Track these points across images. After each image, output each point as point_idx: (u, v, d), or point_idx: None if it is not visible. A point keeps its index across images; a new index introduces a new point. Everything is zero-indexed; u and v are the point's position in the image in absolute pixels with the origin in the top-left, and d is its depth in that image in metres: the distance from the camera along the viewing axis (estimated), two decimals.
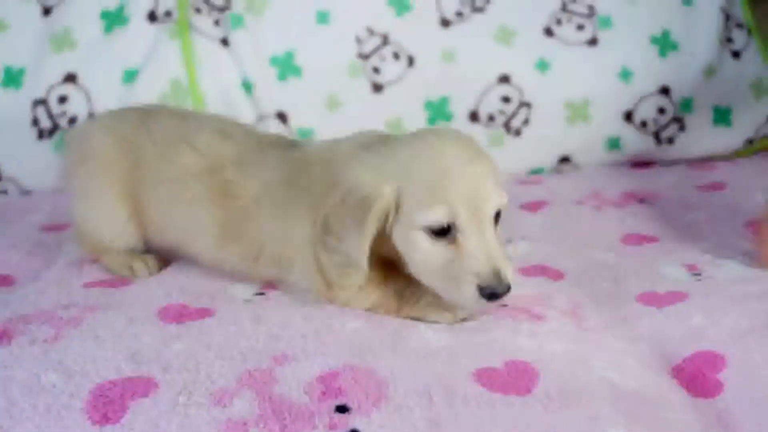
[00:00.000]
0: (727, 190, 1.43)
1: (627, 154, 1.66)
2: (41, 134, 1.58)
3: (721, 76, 1.66)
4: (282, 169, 0.99)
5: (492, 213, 0.86)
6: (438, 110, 1.62)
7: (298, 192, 0.96)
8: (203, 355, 0.81)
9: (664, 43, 1.64)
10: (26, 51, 1.60)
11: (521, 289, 0.98)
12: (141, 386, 0.75)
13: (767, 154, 1.71)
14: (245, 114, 1.58)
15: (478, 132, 1.61)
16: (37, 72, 1.59)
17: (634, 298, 0.96)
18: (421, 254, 0.86)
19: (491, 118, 1.63)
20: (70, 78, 1.58)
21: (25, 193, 1.60)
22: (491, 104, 1.62)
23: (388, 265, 0.93)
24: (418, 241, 0.85)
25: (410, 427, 0.68)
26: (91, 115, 1.56)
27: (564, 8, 1.67)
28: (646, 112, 1.64)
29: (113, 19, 1.61)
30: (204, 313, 0.93)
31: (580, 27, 1.65)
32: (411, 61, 1.63)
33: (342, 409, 0.71)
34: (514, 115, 1.62)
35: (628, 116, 1.64)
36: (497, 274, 0.83)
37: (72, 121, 1.57)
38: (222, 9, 1.63)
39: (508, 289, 0.83)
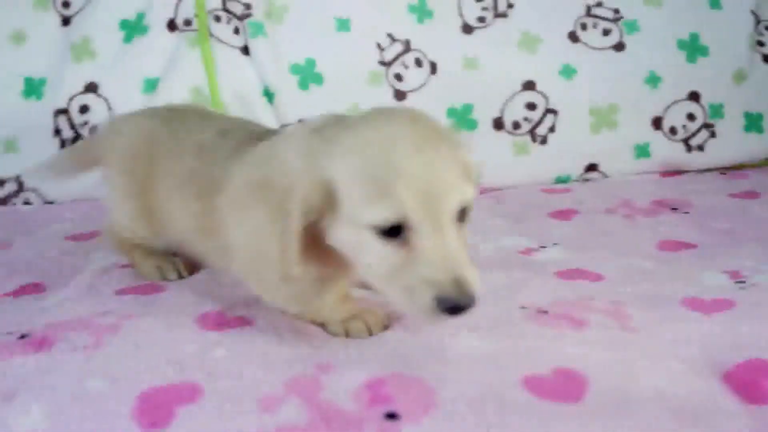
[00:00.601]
0: (764, 197, 1.42)
1: (656, 161, 1.64)
2: (63, 144, 1.58)
3: (752, 81, 1.65)
4: (249, 162, 0.90)
5: (453, 210, 0.74)
6: (461, 117, 1.61)
7: (256, 186, 0.85)
8: (247, 362, 0.80)
9: (693, 48, 1.63)
10: (46, 61, 1.61)
11: (559, 293, 0.97)
12: (187, 392, 0.74)
13: None
14: (266, 122, 1.56)
15: (503, 139, 1.60)
16: (58, 82, 1.59)
17: (678, 303, 0.94)
18: (369, 257, 0.75)
19: (516, 126, 1.62)
20: (91, 88, 1.59)
21: (48, 203, 1.60)
22: (516, 111, 1.61)
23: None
24: (365, 242, 0.74)
25: None
26: None
27: (589, 13, 1.66)
28: (676, 118, 1.63)
29: (133, 29, 1.61)
30: (242, 321, 0.92)
31: (606, 32, 1.64)
32: (434, 68, 1.62)
33: (392, 416, 0.69)
34: (539, 122, 1.62)
35: (657, 123, 1.63)
36: (459, 283, 0.71)
37: (93, 130, 1.57)
38: (242, 17, 1.63)
39: (473, 301, 0.72)
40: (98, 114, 1.57)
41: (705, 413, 0.71)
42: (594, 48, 1.64)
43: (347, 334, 0.87)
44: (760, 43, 1.67)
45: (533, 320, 0.89)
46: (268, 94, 1.60)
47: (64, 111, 1.58)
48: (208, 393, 0.74)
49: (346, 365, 0.79)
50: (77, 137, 1.57)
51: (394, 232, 0.72)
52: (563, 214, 1.38)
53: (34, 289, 1.10)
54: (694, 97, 1.63)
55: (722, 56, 1.64)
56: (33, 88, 1.59)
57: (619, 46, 1.64)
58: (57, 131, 1.58)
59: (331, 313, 0.89)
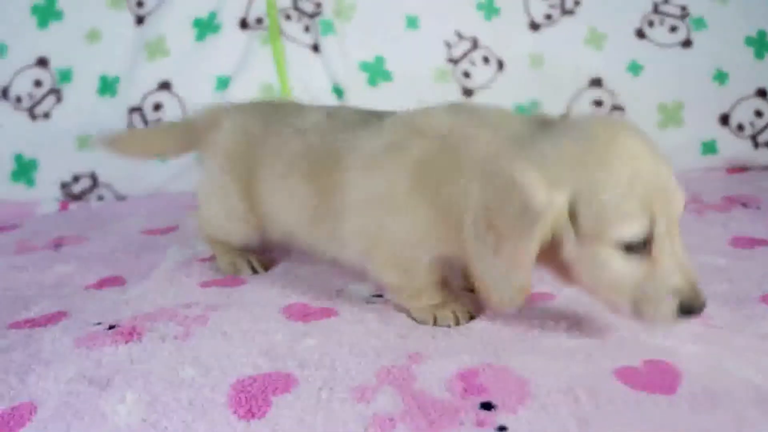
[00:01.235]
0: None
1: (723, 158, 1.63)
2: None
3: None
4: (383, 138, 0.91)
5: (679, 218, 0.75)
6: (528, 114, 1.60)
7: (400, 164, 0.86)
8: (337, 352, 0.81)
9: (760, 44, 1.62)
10: (121, 59, 1.64)
11: None
12: (281, 381, 0.75)
13: None
14: None
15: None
16: (131, 80, 1.63)
17: (757, 299, 0.94)
18: (611, 273, 0.74)
19: None
20: (164, 85, 1.62)
21: (121, 198, 1.64)
22: (583, 108, 1.62)
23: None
24: (609, 260, 0.74)
25: (559, 426, 0.67)
26: None
27: (656, 10, 1.66)
28: (743, 115, 1.61)
29: (205, 27, 1.64)
30: (328, 312, 0.93)
31: (673, 28, 1.64)
32: (501, 65, 1.63)
33: (487, 406, 0.70)
34: None
35: (724, 119, 1.62)
36: (697, 290, 0.74)
37: None
38: (312, 15, 1.65)
39: (704, 305, 0.75)
40: (171, 111, 1.60)
41: None
42: (661, 45, 1.63)
43: (434, 322, 0.89)
44: None
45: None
46: (338, 91, 1.62)
47: (137, 109, 1.62)
48: (302, 382, 0.75)
49: (436, 355, 0.80)
50: None
51: (638, 246, 0.73)
52: None
53: (115, 281, 1.12)
54: (761, 93, 1.62)
55: None
56: (107, 85, 1.63)
57: (686, 43, 1.63)
58: (131, 128, 1.61)
59: (428, 297, 0.90)
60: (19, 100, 1.64)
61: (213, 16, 1.64)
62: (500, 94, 1.62)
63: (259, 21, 1.64)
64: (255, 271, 1.12)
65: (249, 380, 0.76)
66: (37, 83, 1.64)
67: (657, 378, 0.74)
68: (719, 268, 1.07)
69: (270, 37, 1.63)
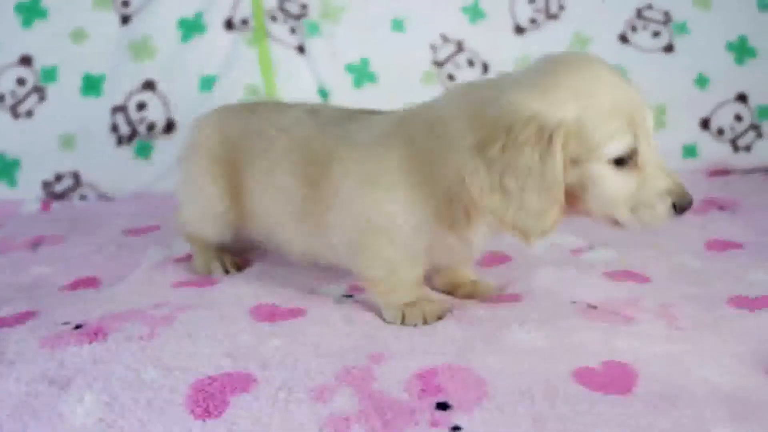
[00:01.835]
0: None
1: (704, 161, 1.64)
2: (120, 140, 1.62)
3: None
4: (368, 132, 0.94)
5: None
6: None
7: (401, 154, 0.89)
8: (300, 352, 0.82)
9: (741, 50, 1.63)
10: (105, 59, 1.64)
11: (608, 292, 0.98)
12: (240, 382, 0.76)
13: None
14: None
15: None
16: (116, 79, 1.63)
17: (724, 301, 0.95)
18: (608, 188, 0.80)
19: None
20: (149, 85, 1.62)
21: (104, 198, 1.64)
22: None
23: None
24: (604, 175, 0.80)
25: (513, 425, 0.68)
26: (169, 122, 1.59)
27: (639, 15, 1.66)
28: (723, 119, 1.63)
29: (191, 27, 1.64)
30: (296, 312, 0.93)
31: (656, 34, 1.64)
32: (485, 68, 1.64)
33: (443, 406, 0.71)
34: None
35: (705, 123, 1.63)
36: (683, 189, 0.81)
37: (150, 127, 1.61)
38: (298, 17, 1.65)
39: (692, 202, 0.82)
40: (155, 111, 1.61)
41: (755, 405, 0.71)
42: (644, 49, 1.64)
43: (402, 321, 0.90)
44: None
45: (583, 314, 0.90)
46: (323, 93, 1.63)
47: (121, 108, 1.62)
48: (262, 382, 0.75)
49: (398, 355, 0.80)
50: (134, 134, 1.61)
51: (625, 159, 0.79)
52: None
53: (90, 282, 1.12)
54: (741, 98, 1.63)
55: None
56: (92, 85, 1.63)
57: (669, 48, 1.64)
58: (114, 128, 1.62)
59: (405, 292, 0.92)
60: (1, 98, 1.64)
61: (199, 16, 1.64)
62: None
63: (245, 22, 1.64)
64: (227, 272, 1.13)
65: (208, 380, 0.76)
66: (21, 82, 1.64)
67: (614, 379, 0.75)
68: (692, 270, 1.08)
69: (255, 38, 1.63)
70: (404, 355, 0.81)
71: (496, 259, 1.15)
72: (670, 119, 1.62)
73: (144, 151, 1.59)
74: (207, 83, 1.62)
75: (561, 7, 1.66)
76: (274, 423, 0.70)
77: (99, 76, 1.63)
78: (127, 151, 1.61)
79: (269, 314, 0.93)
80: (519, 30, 1.66)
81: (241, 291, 1.03)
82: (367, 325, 0.90)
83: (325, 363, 0.79)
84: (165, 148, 1.60)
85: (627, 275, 1.06)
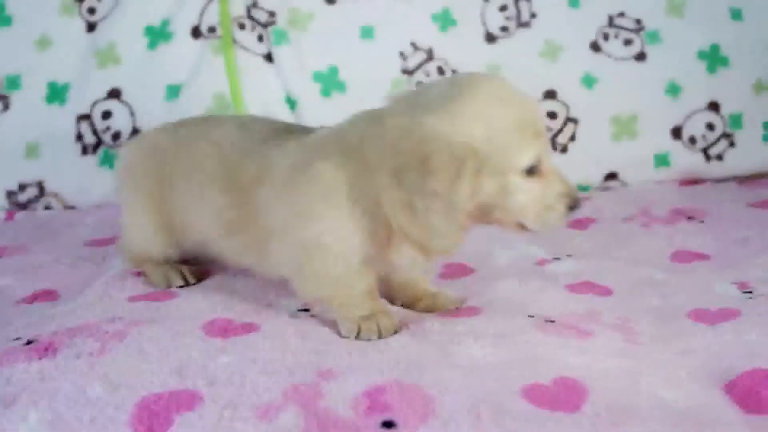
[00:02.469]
0: None
1: (676, 170, 1.63)
2: (85, 150, 1.60)
3: None
4: (298, 153, 0.96)
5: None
6: None
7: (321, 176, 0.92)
8: (249, 369, 0.80)
9: (713, 58, 1.63)
10: (71, 67, 1.62)
11: (569, 306, 0.97)
12: (186, 400, 0.74)
13: None
14: None
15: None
16: (81, 87, 1.61)
17: (684, 315, 0.94)
18: (520, 195, 0.86)
19: None
20: (114, 93, 1.60)
21: (69, 208, 1.61)
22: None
23: None
24: (517, 184, 0.86)
25: None
26: (134, 131, 1.58)
27: (611, 23, 1.65)
28: (695, 128, 1.62)
29: (157, 35, 1.63)
30: (249, 328, 0.92)
31: (628, 42, 1.64)
32: None
33: (388, 424, 0.69)
34: (560, 130, 1.61)
35: (677, 132, 1.62)
36: (575, 191, 0.90)
37: (116, 136, 1.59)
38: (266, 24, 1.64)
39: (580, 200, 0.90)
40: (120, 120, 1.58)
41: (705, 422, 0.71)
42: (615, 58, 1.63)
43: (357, 335, 0.90)
44: None
45: (539, 329, 0.89)
46: (291, 102, 1.61)
47: (86, 117, 1.60)
48: (208, 400, 0.74)
49: (347, 372, 0.79)
50: (99, 143, 1.60)
51: (534, 168, 0.86)
52: (581, 223, 1.38)
53: (48, 295, 1.12)
54: (713, 107, 1.62)
55: (742, 67, 1.63)
56: (56, 93, 1.61)
57: (641, 56, 1.63)
58: (79, 136, 1.60)
59: (356, 306, 0.92)
60: None
61: (165, 24, 1.62)
62: None
63: (212, 30, 1.63)
64: (188, 282, 1.11)
65: (154, 398, 0.74)
66: None
67: (563, 396, 0.73)
68: (656, 282, 1.08)
69: (223, 46, 1.61)
70: (355, 371, 0.79)
71: (459, 271, 1.13)
72: (642, 128, 1.61)
73: (109, 161, 1.57)
74: (173, 91, 1.60)
75: (532, 15, 1.65)
76: None
77: (64, 85, 1.61)
78: (92, 161, 1.59)
79: (222, 330, 0.91)
80: (490, 38, 1.65)
81: (197, 305, 1.01)
82: (320, 340, 0.88)
83: (274, 380, 0.78)
84: None
85: (589, 287, 1.05)
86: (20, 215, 1.59)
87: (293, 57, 1.62)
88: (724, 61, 1.63)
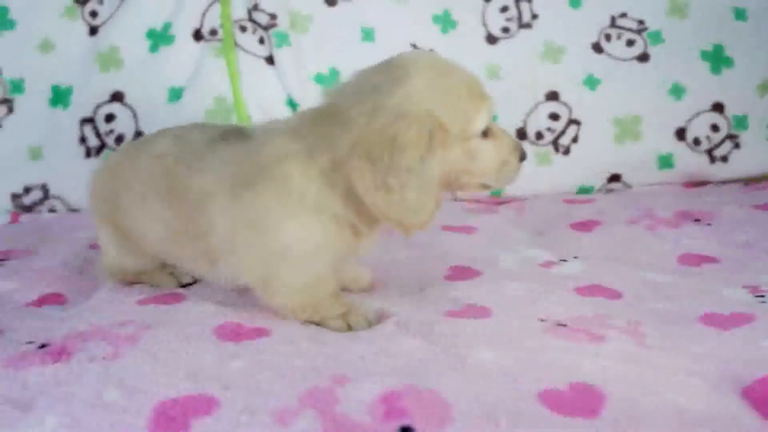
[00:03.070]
0: None
1: (679, 172, 1.63)
2: (89, 152, 1.60)
3: None
4: (246, 161, 0.96)
5: None
6: None
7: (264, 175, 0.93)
8: (263, 373, 0.80)
9: (717, 59, 1.62)
10: (73, 70, 1.63)
11: (578, 309, 0.96)
12: (203, 404, 0.74)
13: None
14: None
15: (526, 149, 1.58)
16: (84, 91, 1.61)
17: (696, 319, 0.93)
18: (482, 156, 0.93)
19: (539, 136, 1.61)
20: (117, 97, 1.60)
21: (73, 210, 1.61)
22: (539, 122, 1.61)
23: None
24: (478, 148, 0.93)
25: None
26: (137, 134, 1.58)
27: (613, 23, 1.65)
28: (699, 129, 1.62)
29: (159, 38, 1.63)
30: (260, 332, 0.92)
31: (630, 42, 1.64)
32: None
33: (406, 430, 0.69)
34: (562, 132, 1.61)
35: (681, 134, 1.62)
36: (520, 144, 0.98)
37: (119, 139, 1.59)
38: (267, 27, 1.64)
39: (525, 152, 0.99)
40: (123, 123, 1.58)
41: (725, 428, 0.70)
42: (618, 59, 1.63)
43: (349, 327, 0.94)
44: None
45: (551, 333, 0.88)
46: (292, 104, 1.61)
47: (90, 120, 1.60)
48: (224, 405, 0.74)
49: (362, 377, 0.78)
50: (102, 146, 1.60)
51: (486, 130, 0.93)
52: (585, 226, 1.37)
53: (56, 299, 1.11)
54: (717, 108, 1.62)
55: (746, 67, 1.63)
56: (60, 96, 1.61)
57: (643, 57, 1.63)
58: (83, 139, 1.60)
59: (329, 308, 0.96)
60: None
61: (167, 27, 1.62)
62: None
63: (214, 32, 1.63)
64: (185, 284, 1.13)
65: (171, 403, 0.74)
66: None
67: (581, 401, 0.73)
68: (663, 285, 1.07)
69: (224, 49, 1.61)
70: (369, 376, 0.79)
71: (464, 273, 1.13)
72: (645, 130, 1.61)
73: None
74: (175, 94, 1.59)
75: (534, 16, 1.65)
76: None
77: (67, 88, 1.62)
78: (95, 164, 1.58)
79: (234, 333, 0.91)
80: (491, 39, 1.65)
81: (206, 309, 1.00)
82: (333, 344, 0.88)
83: (289, 385, 0.77)
84: None
85: (597, 290, 1.05)
86: (25, 218, 1.60)
87: (294, 59, 1.62)
88: (728, 62, 1.62)
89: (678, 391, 0.75)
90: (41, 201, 1.61)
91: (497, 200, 1.59)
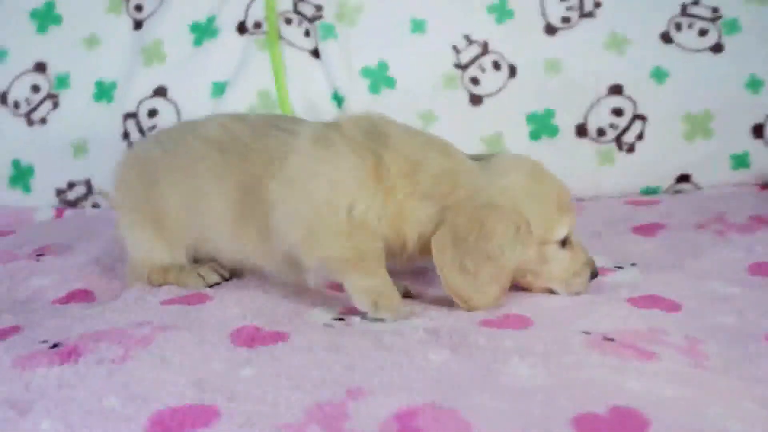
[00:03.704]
0: None
1: (755, 173, 1.52)
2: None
3: None
4: (310, 149, 0.99)
5: None
6: (542, 124, 1.53)
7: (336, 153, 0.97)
8: (272, 383, 0.75)
9: None
10: (117, 65, 1.62)
11: (630, 322, 0.88)
12: (202, 415, 0.69)
13: None
14: None
15: (586, 147, 1.54)
16: (128, 86, 1.61)
17: (762, 337, 0.85)
18: (554, 263, 0.98)
19: (601, 133, 1.53)
20: (160, 91, 1.59)
21: None
22: (601, 117, 1.53)
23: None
24: (553, 254, 0.98)
25: None
26: None
27: (684, 12, 1.56)
28: None
29: (203, 32, 1.61)
30: (277, 337, 0.86)
31: (703, 32, 1.54)
32: (513, 71, 1.56)
33: None
34: (626, 129, 1.53)
35: (758, 131, 1.51)
36: (593, 261, 1.01)
37: None
38: (313, 19, 1.60)
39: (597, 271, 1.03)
40: (166, 118, 1.56)
41: None
42: (689, 50, 1.53)
43: (375, 306, 0.93)
44: None
45: (596, 348, 0.80)
46: (338, 98, 1.57)
47: (133, 115, 1.59)
48: (225, 417, 0.69)
49: (378, 390, 0.72)
50: None
51: (565, 240, 0.99)
52: (648, 230, 1.28)
53: (85, 296, 1.10)
54: None
55: None
56: (104, 91, 1.61)
57: (717, 48, 1.53)
58: (126, 135, 1.59)
59: (373, 266, 0.95)
60: (16, 105, 1.63)
61: (211, 20, 1.60)
62: (511, 101, 1.54)
63: (258, 25, 1.59)
64: (224, 278, 1.10)
65: (170, 412, 0.70)
66: (35, 88, 1.62)
67: (620, 428, 0.64)
68: (729, 297, 0.98)
69: (268, 42, 1.58)
70: (386, 389, 0.72)
71: None
72: (718, 126, 1.50)
73: None
74: (219, 89, 1.57)
75: (596, 4, 1.57)
76: None
77: (111, 83, 1.61)
78: None
79: (249, 338, 0.86)
80: (550, 30, 1.57)
81: (228, 311, 0.96)
82: (353, 354, 0.81)
83: (297, 397, 0.72)
84: None
85: (653, 301, 0.96)
86: (69, 213, 1.60)
87: (341, 52, 1.58)
88: None
89: (731, 416, 0.67)
90: (85, 196, 1.61)
91: None
